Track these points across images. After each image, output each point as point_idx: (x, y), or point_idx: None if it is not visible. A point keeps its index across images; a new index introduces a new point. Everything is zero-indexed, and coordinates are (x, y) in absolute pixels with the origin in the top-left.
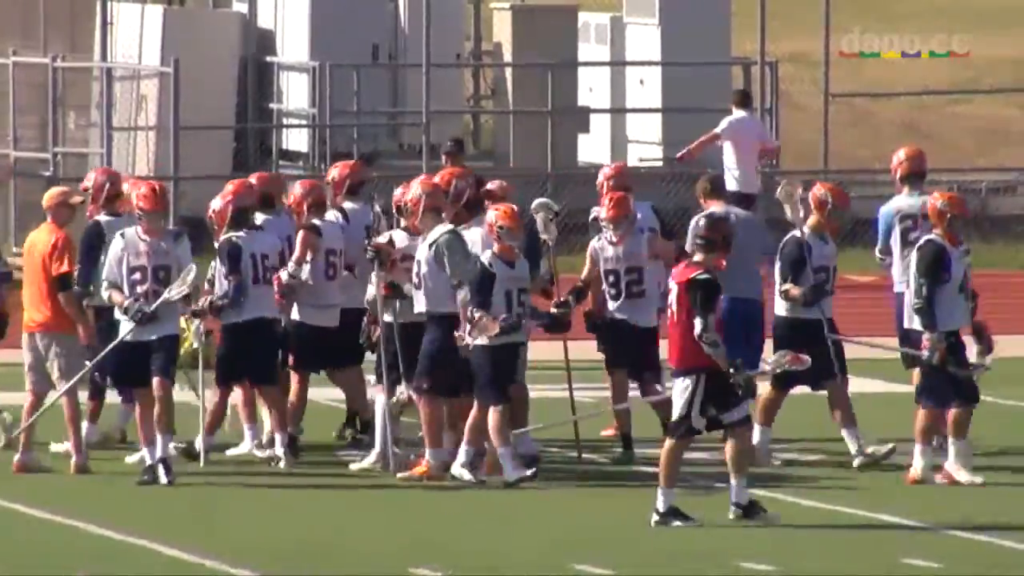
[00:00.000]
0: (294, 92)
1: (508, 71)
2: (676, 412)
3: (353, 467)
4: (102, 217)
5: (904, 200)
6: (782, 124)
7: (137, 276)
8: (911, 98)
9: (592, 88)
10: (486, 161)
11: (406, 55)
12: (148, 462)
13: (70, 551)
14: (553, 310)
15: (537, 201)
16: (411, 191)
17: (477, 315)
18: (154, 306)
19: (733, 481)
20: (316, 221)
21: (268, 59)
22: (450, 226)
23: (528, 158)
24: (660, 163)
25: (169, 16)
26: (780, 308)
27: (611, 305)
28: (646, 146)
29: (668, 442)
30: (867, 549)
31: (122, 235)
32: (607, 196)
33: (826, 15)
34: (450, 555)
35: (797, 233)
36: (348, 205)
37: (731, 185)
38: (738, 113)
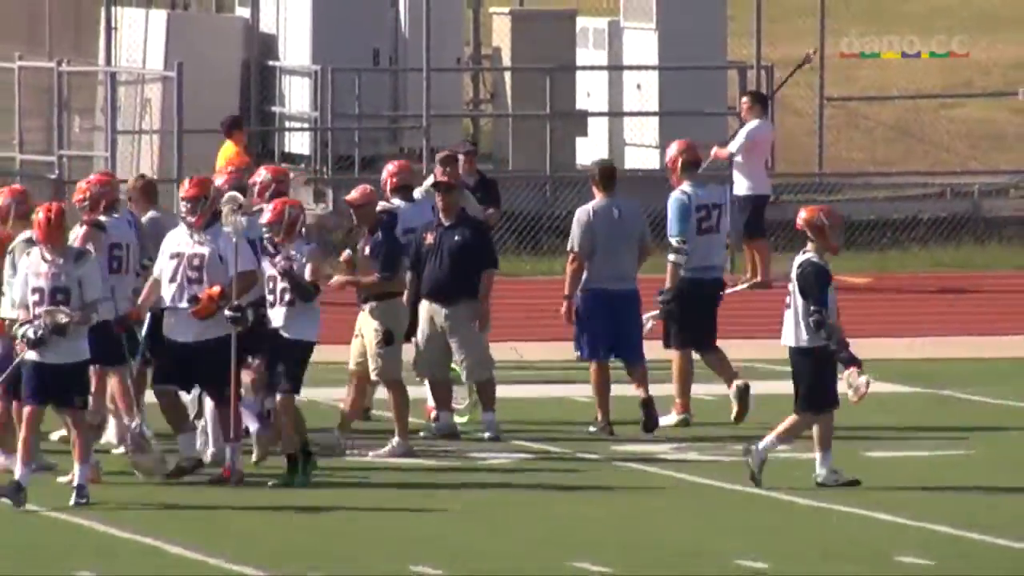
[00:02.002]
0: (296, 96)
1: (507, 75)
2: None
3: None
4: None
5: (693, 189)
6: (777, 127)
7: (36, 297)
8: (905, 101)
9: (590, 92)
10: (486, 164)
11: (406, 59)
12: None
13: (75, 548)
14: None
15: (227, 195)
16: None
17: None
18: (40, 332)
19: None
20: (102, 217)
21: (270, 63)
22: (27, 234)
23: (527, 161)
24: (656, 166)
25: (173, 21)
26: None
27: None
28: (643, 149)
29: None
30: (861, 547)
31: (28, 254)
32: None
33: (821, 20)
34: (449, 553)
35: None
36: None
37: (742, 189)
38: (753, 120)
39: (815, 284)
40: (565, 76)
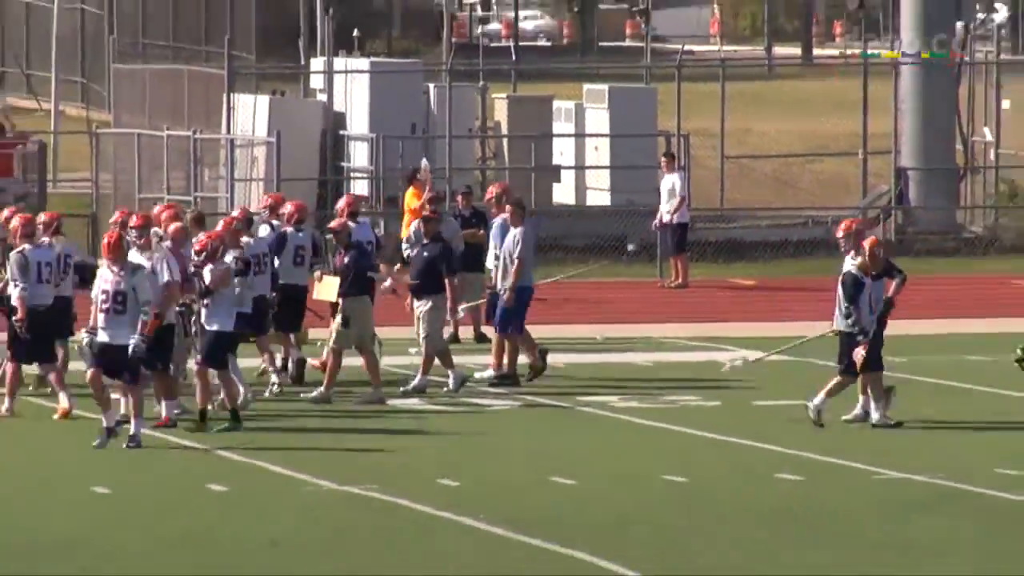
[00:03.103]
0: (359, 155)
1: (504, 141)
2: None
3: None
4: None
5: (508, 217)
6: (692, 177)
7: (103, 297)
8: (780, 159)
9: (562, 152)
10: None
11: (435, 129)
12: (105, 424)
13: (206, 471)
14: None
15: (153, 229)
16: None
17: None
18: (92, 348)
19: None
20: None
21: (341, 132)
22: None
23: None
24: (608, 203)
25: (273, 103)
26: None
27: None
28: (599, 192)
29: None
30: (751, 467)
31: (97, 267)
32: None
33: (722, 103)
34: (465, 469)
35: None
36: None
37: (667, 218)
38: (675, 173)
39: (850, 289)
40: (544, 141)
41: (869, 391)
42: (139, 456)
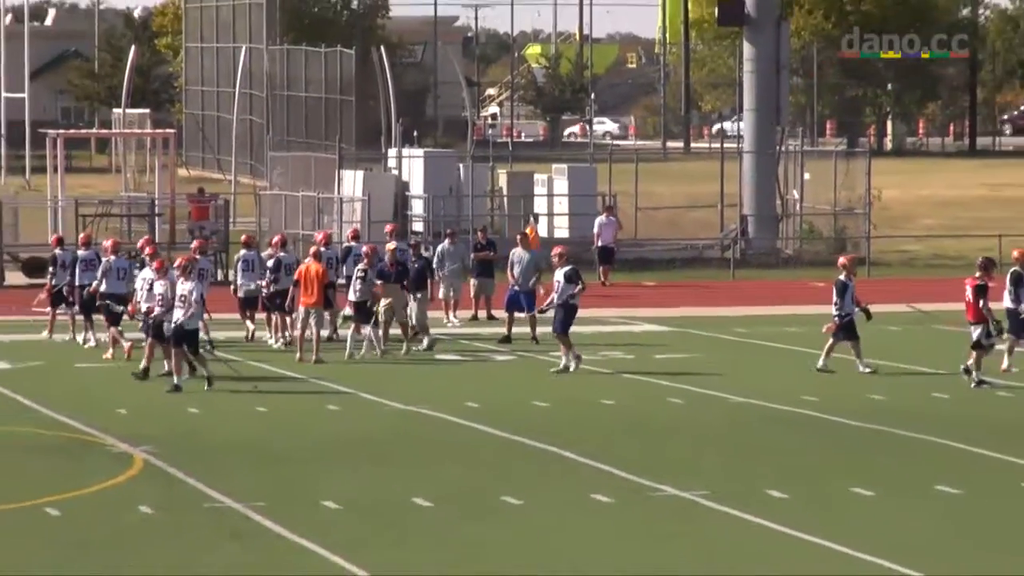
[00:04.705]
0: (416, 207)
1: (505, 198)
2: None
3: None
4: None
5: (397, 245)
6: (622, 219)
7: (180, 300)
8: (670, 208)
9: (539, 205)
10: (495, 235)
11: (463, 191)
12: (175, 382)
13: (326, 398)
14: None
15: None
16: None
17: None
18: (169, 330)
19: None
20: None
21: (406, 193)
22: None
23: (512, 234)
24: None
25: (366, 176)
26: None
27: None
28: (562, 229)
29: None
30: (652, 394)
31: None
32: None
33: (636, 175)
34: (481, 396)
35: None
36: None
37: (602, 243)
38: (611, 216)
39: (840, 289)
40: (529, 198)
41: (852, 351)
42: (283, 389)
